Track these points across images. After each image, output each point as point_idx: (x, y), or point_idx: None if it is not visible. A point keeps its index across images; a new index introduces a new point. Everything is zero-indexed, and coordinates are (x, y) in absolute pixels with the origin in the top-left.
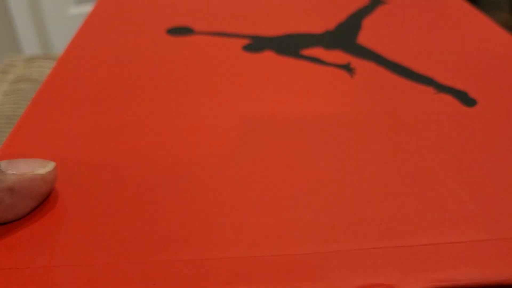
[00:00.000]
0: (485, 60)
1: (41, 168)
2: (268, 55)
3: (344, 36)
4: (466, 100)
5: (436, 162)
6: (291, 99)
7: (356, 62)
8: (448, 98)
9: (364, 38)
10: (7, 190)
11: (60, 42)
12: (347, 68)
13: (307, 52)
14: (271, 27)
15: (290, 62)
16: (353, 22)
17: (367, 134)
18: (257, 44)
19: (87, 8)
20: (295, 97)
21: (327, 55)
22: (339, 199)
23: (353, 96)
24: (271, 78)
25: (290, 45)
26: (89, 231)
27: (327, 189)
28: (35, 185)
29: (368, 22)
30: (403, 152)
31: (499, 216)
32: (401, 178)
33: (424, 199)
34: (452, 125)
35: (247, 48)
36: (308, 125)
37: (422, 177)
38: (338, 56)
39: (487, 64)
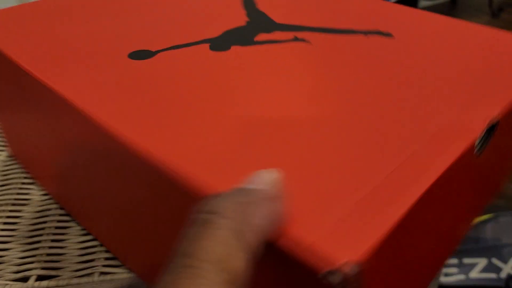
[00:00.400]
0: (363, 8)
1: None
2: (236, 49)
3: (264, 20)
4: (385, 34)
5: (402, 74)
6: (285, 71)
7: (297, 34)
8: (375, 36)
9: (276, 18)
10: (273, 199)
11: None
12: (300, 39)
13: (259, 38)
14: (207, 29)
15: (260, 48)
16: (252, 9)
17: (345, 74)
18: (219, 43)
19: None
20: (286, 70)
21: (275, 36)
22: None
23: (322, 56)
24: (258, 64)
25: (245, 37)
26: None
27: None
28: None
29: (261, 6)
30: (385, 72)
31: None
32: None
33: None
34: (392, 49)
35: (213, 48)
36: (308, 76)
37: (393, 86)
38: (282, 35)
39: (366, 10)
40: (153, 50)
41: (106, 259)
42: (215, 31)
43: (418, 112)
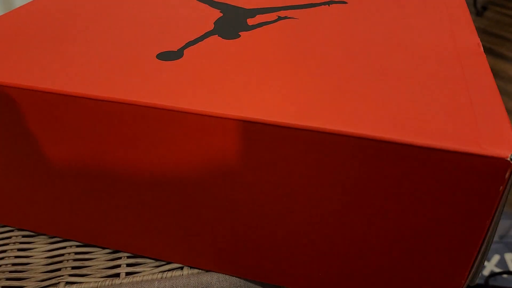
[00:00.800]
0: None
1: None
2: (245, 34)
3: (235, 9)
4: (341, 2)
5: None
6: (302, 41)
7: (278, 14)
8: (335, 5)
9: (241, 5)
10: None
11: None
12: (286, 17)
13: (251, 23)
14: (196, 26)
15: (263, 30)
16: (213, 3)
17: (323, 39)
18: (225, 33)
19: None
20: (301, 39)
21: (262, 19)
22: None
23: (314, 27)
24: (277, 41)
25: (239, 24)
26: None
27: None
28: None
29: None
30: (353, 34)
31: None
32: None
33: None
34: (350, 11)
35: (225, 37)
36: (321, 40)
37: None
38: (264, 17)
39: None
40: (175, 49)
41: (73, 268)
42: (206, 25)
43: (422, 45)
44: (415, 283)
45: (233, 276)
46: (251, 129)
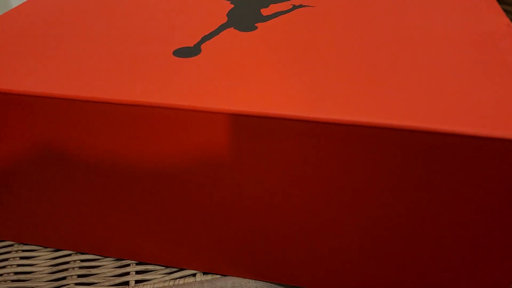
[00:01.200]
0: None
1: None
2: (262, 25)
3: (249, 0)
4: None
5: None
6: (322, 28)
7: (291, 2)
8: None
9: None
10: None
11: None
12: (300, 6)
13: (266, 13)
14: (209, 19)
15: (280, 20)
16: None
17: (337, 30)
18: (241, 25)
19: None
20: (321, 27)
21: (276, 8)
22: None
23: (330, 14)
24: (296, 29)
25: (254, 15)
26: None
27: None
28: None
29: None
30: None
31: None
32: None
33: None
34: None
35: (241, 29)
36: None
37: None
38: (278, 6)
39: None
40: (191, 45)
41: (79, 276)
42: (218, 18)
43: (453, 29)
44: (461, 282)
45: (248, 279)
46: (274, 126)
